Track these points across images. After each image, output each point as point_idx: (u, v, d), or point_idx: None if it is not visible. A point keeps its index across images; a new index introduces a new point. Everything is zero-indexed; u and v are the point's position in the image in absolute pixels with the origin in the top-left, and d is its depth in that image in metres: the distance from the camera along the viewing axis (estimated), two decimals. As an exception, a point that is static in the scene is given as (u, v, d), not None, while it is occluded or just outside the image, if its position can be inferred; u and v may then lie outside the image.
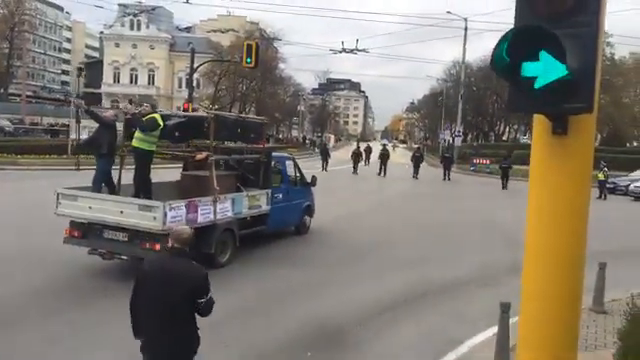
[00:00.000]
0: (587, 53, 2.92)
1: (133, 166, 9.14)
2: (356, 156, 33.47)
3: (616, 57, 50.67)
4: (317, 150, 47.90)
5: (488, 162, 38.60)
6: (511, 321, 5.18)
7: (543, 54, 2.89)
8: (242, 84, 57.11)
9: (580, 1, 2.95)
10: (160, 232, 7.60)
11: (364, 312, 7.22)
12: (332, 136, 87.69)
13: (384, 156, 32.30)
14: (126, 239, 8.04)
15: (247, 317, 6.84)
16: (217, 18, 66.96)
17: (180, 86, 71.70)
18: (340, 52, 29.43)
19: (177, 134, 9.40)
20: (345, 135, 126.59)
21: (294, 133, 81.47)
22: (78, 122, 10.48)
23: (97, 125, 9.19)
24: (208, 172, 9.19)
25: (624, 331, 5.01)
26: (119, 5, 62.85)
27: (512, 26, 3.11)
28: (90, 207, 8.15)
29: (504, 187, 27.51)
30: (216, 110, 45.44)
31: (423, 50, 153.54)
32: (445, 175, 31.56)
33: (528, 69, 2.94)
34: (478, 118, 65.99)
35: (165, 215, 7.66)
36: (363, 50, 30.28)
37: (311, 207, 12.59)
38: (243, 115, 11.14)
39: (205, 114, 10.78)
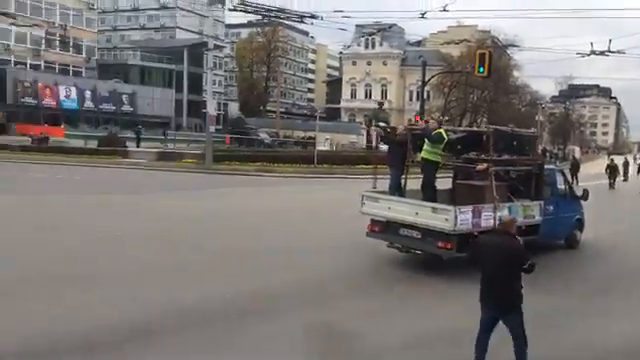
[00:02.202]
0: None
1: (417, 175, 10.33)
2: (612, 170, 29.89)
3: None
4: (563, 164, 43.68)
5: None
6: None
7: None
8: (473, 94, 55.84)
9: None
10: (451, 232, 8.52)
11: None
12: (577, 148, 78.86)
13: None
14: (419, 237, 9.12)
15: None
16: (447, 30, 66.70)
17: (410, 99, 73.86)
18: (589, 55, 26.17)
19: (459, 147, 10.27)
20: (593, 147, 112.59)
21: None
22: (377, 146, 11.90)
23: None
24: (481, 182, 9.87)
25: None
26: (356, 26, 67.61)
27: None
28: (389, 208, 9.50)
29: None
30: (446, 121, 45.52)
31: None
32: None
33: None
34: None
35: (456, 217, 8.51)
36: (617, 52, 26.56)
37: (582, 221, 12.23)
38: (517, 129, 11.39)
39: (484, 129, 11.53)
